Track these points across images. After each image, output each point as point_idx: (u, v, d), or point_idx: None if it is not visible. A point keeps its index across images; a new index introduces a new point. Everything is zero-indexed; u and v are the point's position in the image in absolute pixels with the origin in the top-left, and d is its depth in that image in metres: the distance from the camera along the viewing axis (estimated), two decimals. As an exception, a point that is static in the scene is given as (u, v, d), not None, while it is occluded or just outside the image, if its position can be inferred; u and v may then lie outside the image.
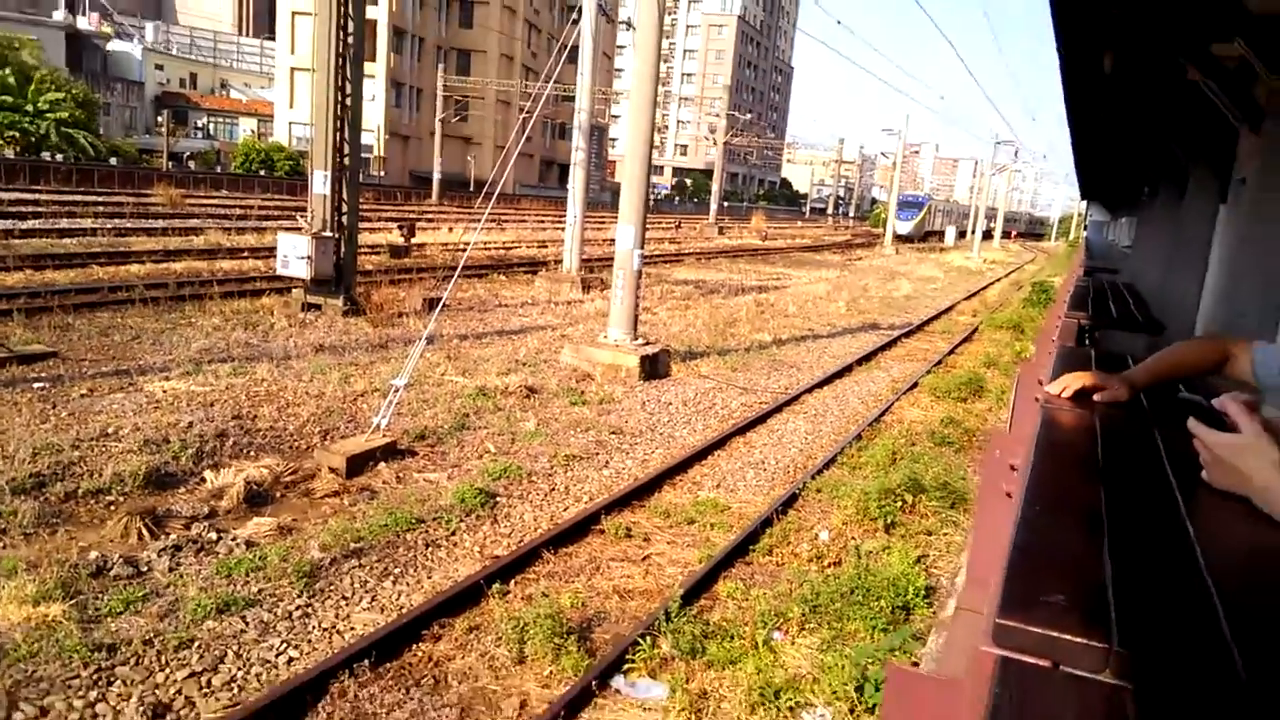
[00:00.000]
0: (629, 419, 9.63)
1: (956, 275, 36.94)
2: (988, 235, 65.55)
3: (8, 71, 40.13)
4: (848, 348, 15.74)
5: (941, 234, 69.96)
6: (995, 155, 59.83)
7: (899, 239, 57.81)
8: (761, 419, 10.14)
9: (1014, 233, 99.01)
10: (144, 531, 5.67)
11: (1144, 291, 10.29)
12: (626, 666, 4.54)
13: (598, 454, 8.32)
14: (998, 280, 37.01)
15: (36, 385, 8.45)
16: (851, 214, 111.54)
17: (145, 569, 5.22)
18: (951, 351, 16.25)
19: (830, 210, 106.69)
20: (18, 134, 39.43)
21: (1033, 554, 1.17)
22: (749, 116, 73.42)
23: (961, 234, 71.45)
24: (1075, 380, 2.11)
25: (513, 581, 5.50)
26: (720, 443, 9.04)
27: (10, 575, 4.82)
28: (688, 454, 8.43)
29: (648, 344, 11.98)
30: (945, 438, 9.67)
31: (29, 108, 39.96)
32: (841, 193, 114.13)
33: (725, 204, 72.99)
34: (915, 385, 12.67)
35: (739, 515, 7.05)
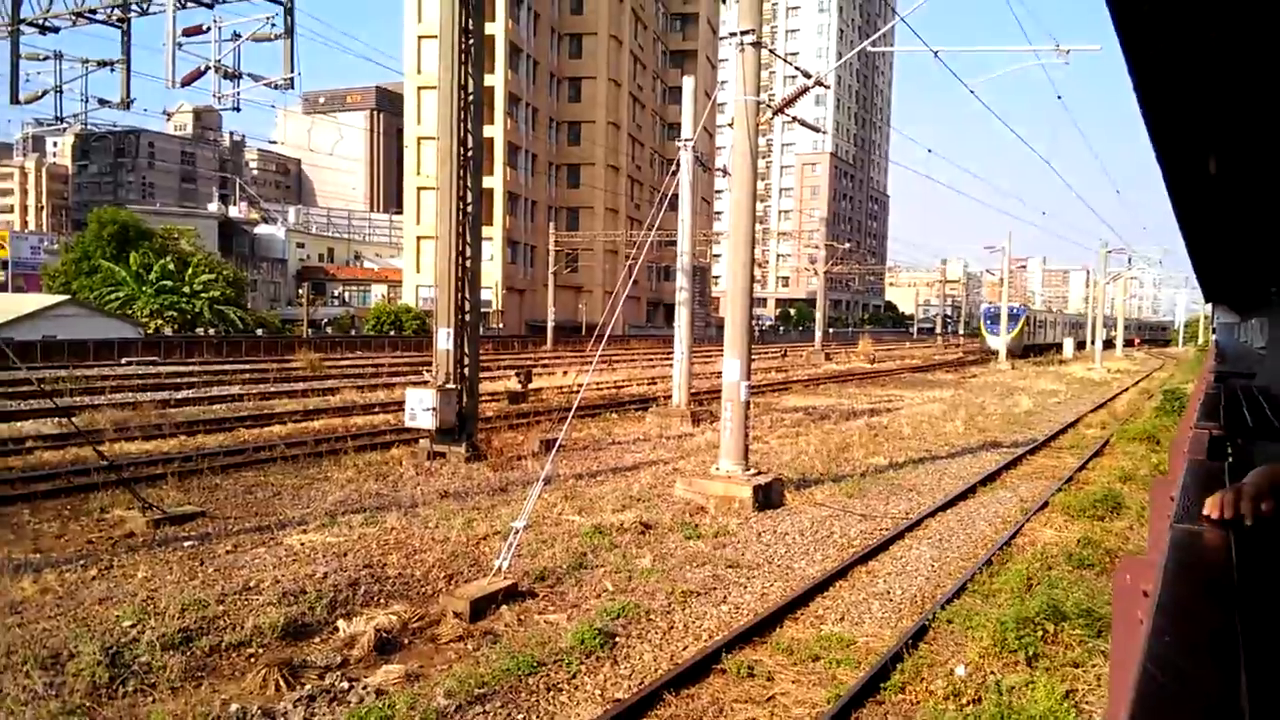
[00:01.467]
0: (745, 551, 9.46)
1: (1080, 387, 35.16)
2: (1109, 344, 62.43)
3: (168, 259, 45.44)
4: (969, 468, 15.09)
5: (1052, 347, 66.16)
6: (1107, 264, 57.83)
7: (993, 354, 54.66)
8: (883, 546, 9.76)
9: (1137, 340, 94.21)
10: (281, 683, 5.89)
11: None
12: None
13: (715, 589, 8.18)
14: (1125, 390, 34.94)
15: (186, 544, 9.11)
16: (961, 331, 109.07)
17: None
18: (1083, 467, 15.32)
19: (938, 329, 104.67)
20: (176, 313, 44.11)
21: (1161, 691, 1.09)
22: (848, 245, 74.44)
23: (1080, 345, 68.32)
24: (1230, 496, 1.89)
25: (635, 726, 5.38)
26: (841, 573, 8.73)
27: (161, 727, 5.09)
28: (808, 586, 8.17)
29: (760, 473, 11.88)
30: (1084, 559, 9.03)
31: (186, 289, 44.83)
32: (949, 311, 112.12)
33: (830, 330, 72.95)
34: (1046, 505, 11.97)
35: (866, 650, 6.71)
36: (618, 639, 6.81)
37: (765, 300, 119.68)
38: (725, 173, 13.20)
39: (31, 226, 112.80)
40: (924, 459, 15.92)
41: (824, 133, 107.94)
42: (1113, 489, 12.55)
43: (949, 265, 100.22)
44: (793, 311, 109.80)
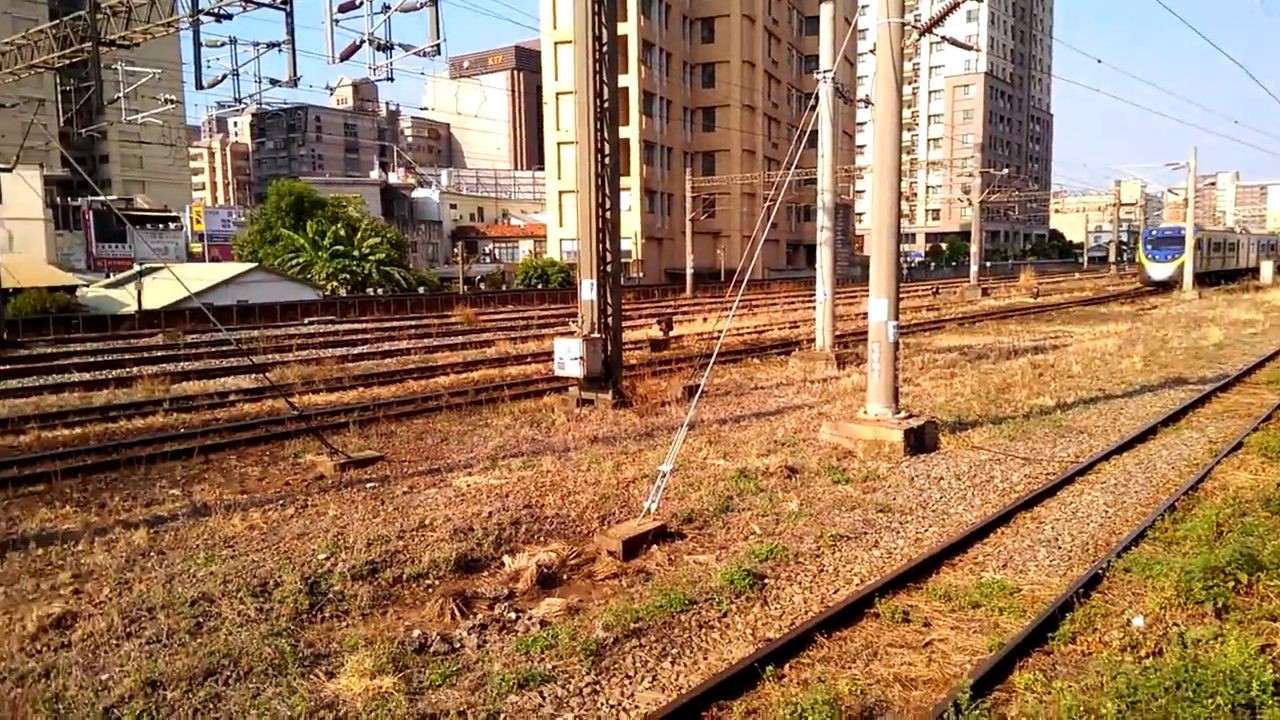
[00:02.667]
0: (897, 496, 9.24)
1: (1284, 316, 31.43)
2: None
3: (339, 226, 48.77)
4: (1149, 407, 13.94)
5: (1245, 272, 58.09)
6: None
7: (1157, 286, 48.17)
8: (1050, 492, 9.26)
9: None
10: (455, 612, 6.39)
11: None
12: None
13: (865, 533, 8.07)
14: (1344, 316, 30.90)
15: (369, 485, 9.95)
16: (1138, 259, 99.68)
17: (458, 646, 5.86)
18: (1287, 405, 13.78)
19: (1111, 258, 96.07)
20: (348, 275, 47.44)
21: None
22: (1006, 171, 69.26)
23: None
24: None
25: (787, 665, 5.46)
26: (1003, 519, 8.37)
27: (353, 650, 5.66)
28: (966, 532, 7.90)
29: (911, 416, 11.50)
30: (1288, 506, 8.18)
31: (355, 253, 48.05)
32: (1124, 238, 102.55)
33: (988, 264, 68.61)
34: (1240, 446, 10.91)
35: (1032, 599, 6.45)
36: (767, 580, 6.89)
37: (914, 236, 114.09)
38: (868, 103, 12.60)
39: (221, 201, 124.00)
40: (1096, 399, 14.85)
41: (977, 50, 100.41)
42: (1321, 428, 11.26)
43: (1123, 187, 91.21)
44: (945, 246, 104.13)
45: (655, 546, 7.70)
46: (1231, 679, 4.52)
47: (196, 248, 65.03)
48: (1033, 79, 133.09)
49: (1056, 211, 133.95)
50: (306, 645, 5.81)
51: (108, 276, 43.60)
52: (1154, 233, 53.51)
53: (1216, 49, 23.51)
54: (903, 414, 11.46)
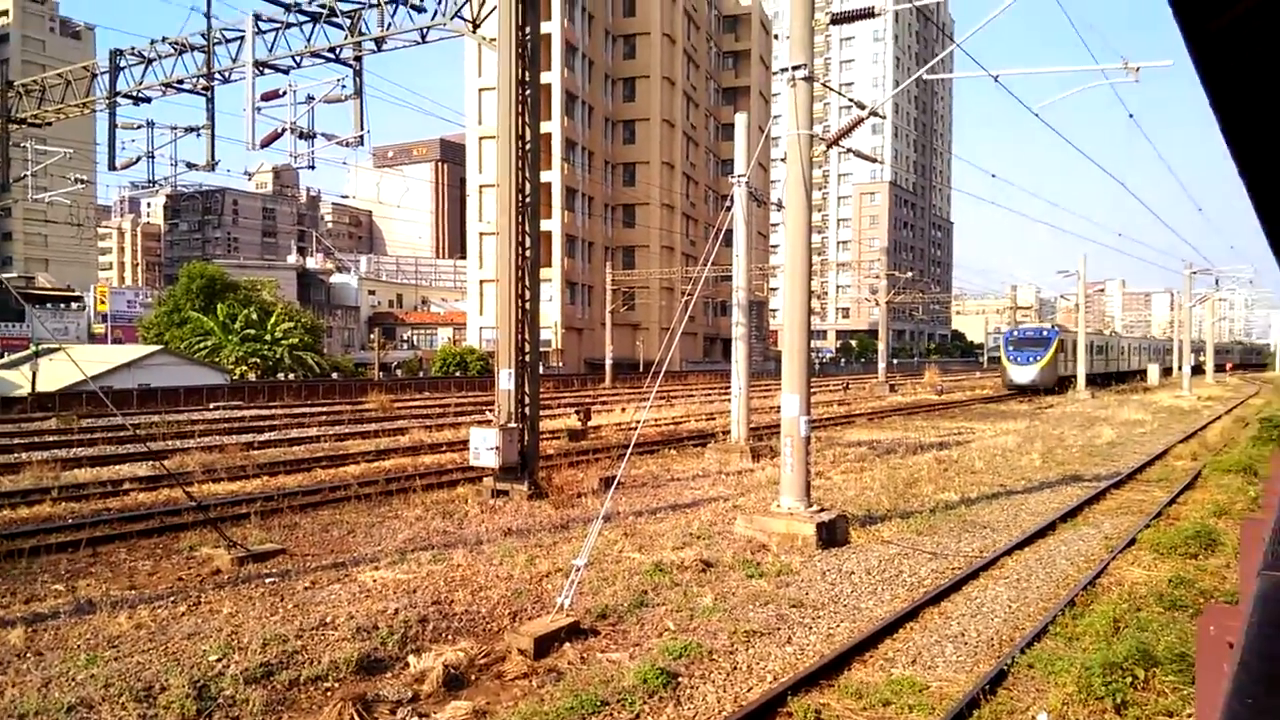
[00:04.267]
0: (809, 591, 9.32)
1: (1167, 416, 33.66)
2: (1197, 370, 59.42)
3: (252, 309, 47.58)
4: (1048, 503, 14.58)
5: (1131, 375, 60.57)
6: (1192, 285, 55.18)
7: (1019, 391, 45.72)
8: (956, 586, 9.49)
9: (1229, 365, 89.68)
10: (355, 717, 6.05)
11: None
12: None
13: (779, 629, 8.08)
14: (1217, 418, 33.30)
15: (268, 580, 9.44)
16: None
17: (356, 753, 5.53)
18: (1172, 501, 14.64)
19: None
20: (259, 360, 46.02)
21: None
22: (910, 274, 73.30)
23: (1167, 371, 65.31)
24: None
25: (699, 767, 5.34)
26: (911, 614, 8.52)
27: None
28: (876, 628, 7.99)
29: (823, 510, 11.72)
30: (1176, 600, 8.62)
31: (268, 337, 46.79)
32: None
33: (894, 361, 71.45)
34: (1133, 542, 11.47)
35: (940, 695, 6.53)
36: (680, 679, 6.79)
37: (825, 333, 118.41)
38: (780, 206, 13.26)
39: (129, 282, 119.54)
40: (998, 494, 15.45)
41: (880, 163, 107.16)
42: (1206, 524, 11.96)
43: (1019, 291, 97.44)
44: (854, 343, 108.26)
45: (568, 644, 7.52)
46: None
47: (99, 329, 62.26)
48: (933, 189, 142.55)
49: (958, 313, 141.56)
50: (188, 758, 5.39)
51: (2, 357, 41.13)
52: (1015, 333, 49.55)
53: (1097, 165, 25.71)
54: (815, 507, 11.67)
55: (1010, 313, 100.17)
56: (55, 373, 30.50)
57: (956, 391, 51.67)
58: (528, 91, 14.67)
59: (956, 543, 11.69)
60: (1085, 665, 6.47)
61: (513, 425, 14.62)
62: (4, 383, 33.28)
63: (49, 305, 59.97)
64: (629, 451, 11.24)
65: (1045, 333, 47.81)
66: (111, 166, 18.43)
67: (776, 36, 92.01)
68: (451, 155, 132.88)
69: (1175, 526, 12.20)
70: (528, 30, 14.70)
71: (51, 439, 21.35)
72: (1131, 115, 19.22)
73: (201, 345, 45.25)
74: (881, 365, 52.70)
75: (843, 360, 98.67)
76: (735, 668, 7.13)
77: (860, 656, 7.38)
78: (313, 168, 16.84)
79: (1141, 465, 19.24)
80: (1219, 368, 75.56)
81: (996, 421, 31.58)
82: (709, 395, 43.95)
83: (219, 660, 6.88)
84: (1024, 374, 45.89)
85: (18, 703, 5.99)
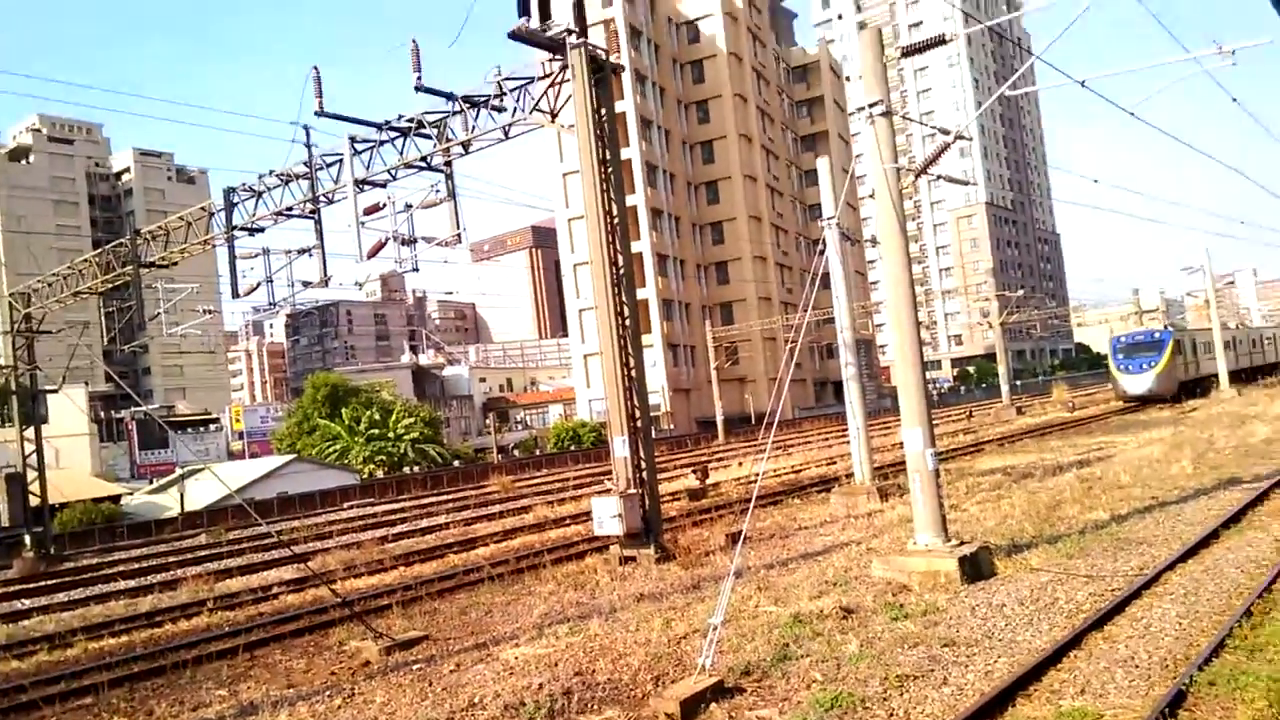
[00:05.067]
0: (959, 628, 8.88)
1: (1334, 405, 30.68)
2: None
3: (374, 410, 50.03)
4: (1207, 511, 13.49)
5: (1272, 368, 54.45)
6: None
7: (1135, 401, 41.82)
8: (1118, 608, 8.86)
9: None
10: (513, 791, 6.13)
11: None
12: None
13: (932, 670, 7.71)
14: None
15: (415, 666, 9.74)
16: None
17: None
18: (1354, 494, 13.28)
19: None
20: (385, 457, 48.12)
21: None
22: (1021, 291, 70.30)
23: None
24: None
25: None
26: (1074, 641, 7.99)
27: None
28: (1037, 659, 7.53)
29: (962, 543, 11.21)
30: (1374, 600, 7.78)
31: (390, 434, 48.97)
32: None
33: (1018, 383, 68.19)
34: (1313, 542, 10.45)
35: (1117, 724, 6.08)
36: (835, 729, 6.56)
37: (939, 362, 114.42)
38: (875, 242, 13.14)
39: (259, 399, 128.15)
40: (1151, 507, 14.40)
41: (972, 184, 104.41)
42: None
43: (1142, 294, 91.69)
44: (971, 369, 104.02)
45: (714, 704, 7.40)
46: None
47: (237, 446, 66.66)
48: (1034, 203, 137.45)
49: (1079, 325, 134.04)
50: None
51: (151, 483, 44.58)
52: (1123, 339, 45.06)
53: (1207, 156, 24.31)
54: (954, 542, 11.18)
55: (1136, 318, 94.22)
56: (201, 491, 32.80)
57: (1089, 406, 48.72)
58: (609, 169, 15.22)
59: (1112, 563, 10.94)
60: (1273, 677, 5.92)
61: (632, 491, 14.72)
62: (155, 506, 35.91)
63: (189, 430, 64.68)
64: (752, 504, 11.14)
65: (1158, 335, 43.82)
66: (235, 294, 20.01)
67: (848, 79, 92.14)
68: (543, 240, 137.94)
69: (1365, 522, 11.05)
70: (603, 112, 15.34)
71: (203, 553, 22.77)
72: (1235, 99, 18.11)
73: (331, 449, 47.77)
74: (1004, 387, 50.36)
75: (961, 388, 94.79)
76: (892, 714, 6.84)
77: (1024, 691, 6.96)
78: (417, 270, 17.81)
79: (1312, 460, 17.59)
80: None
81: (1138, 432, 29.54)
82: (826, 439, 42.99)
83: (380, 745, 7.11)
84: (1138, 383, 41.96)
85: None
